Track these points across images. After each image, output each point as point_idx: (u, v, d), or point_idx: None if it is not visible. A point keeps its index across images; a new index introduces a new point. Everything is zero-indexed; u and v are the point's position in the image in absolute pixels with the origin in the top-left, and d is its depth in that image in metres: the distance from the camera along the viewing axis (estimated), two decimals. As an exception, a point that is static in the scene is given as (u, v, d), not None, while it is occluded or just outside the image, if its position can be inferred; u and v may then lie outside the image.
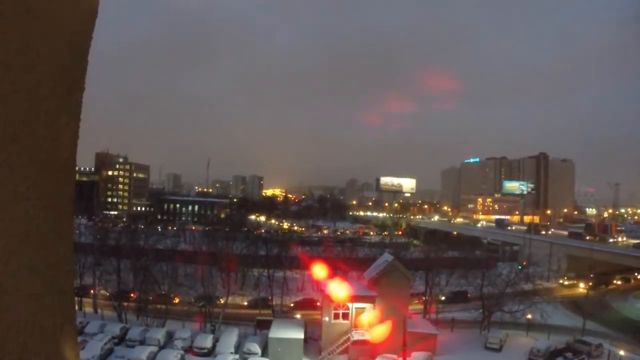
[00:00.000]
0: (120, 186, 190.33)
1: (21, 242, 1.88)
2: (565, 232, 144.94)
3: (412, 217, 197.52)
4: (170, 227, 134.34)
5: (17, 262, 1.87)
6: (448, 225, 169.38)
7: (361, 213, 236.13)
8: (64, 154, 2.07)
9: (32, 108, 1.86)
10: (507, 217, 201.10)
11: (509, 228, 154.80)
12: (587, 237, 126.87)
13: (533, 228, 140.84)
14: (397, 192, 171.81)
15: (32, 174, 1.89)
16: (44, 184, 1.96)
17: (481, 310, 60.91)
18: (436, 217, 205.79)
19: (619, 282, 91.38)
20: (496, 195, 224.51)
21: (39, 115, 1.90)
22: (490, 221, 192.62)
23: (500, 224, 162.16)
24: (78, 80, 2.13)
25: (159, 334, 51.48)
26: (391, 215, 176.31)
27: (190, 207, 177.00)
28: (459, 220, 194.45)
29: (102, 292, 63.95)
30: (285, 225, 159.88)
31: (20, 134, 1.81)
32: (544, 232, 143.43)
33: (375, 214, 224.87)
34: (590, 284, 78.89)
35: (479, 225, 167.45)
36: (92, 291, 63.86)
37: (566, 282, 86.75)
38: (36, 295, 1.99)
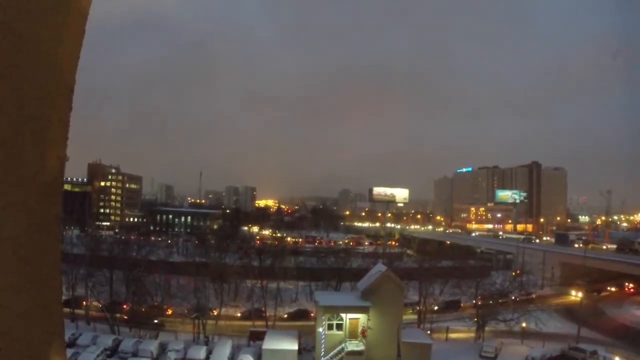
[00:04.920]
0: (113, 197, 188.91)
1: (8, 260, 1.90)
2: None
3: (434, 229, 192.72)
4: (162, 238, 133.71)
5: (4, 281, 1.89)
6: (498, 242, 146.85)
7: (354, 223, 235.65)
8: (51, 173, 2.10)
9: (18, 129, 1.89)
10: (500, 225, 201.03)
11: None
12: None
13: (584, 242, 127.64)
14: (390, 202, 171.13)
15: (19, 194, 1.92)
16: (31, 203, 1.99)
17: (475, 319, 60.88)
18: (478, 232, 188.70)
19: (613, 289, 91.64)
20: (489, 204, 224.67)
21: (24, 135, 1.93)
22: (482, 230, 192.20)
23: (563, 240, 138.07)
24: (65, 100, 2.16)
25: (152, 346, 51.07)
26: (388, 225, 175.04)
27: (182, 218, 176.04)
28: (520, 236, 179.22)
29: (95, 303, 63.45)
30: (273, 234, 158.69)
31: (6, 154, 1.84)
32: (605, 247, 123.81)
33: (368, 224, 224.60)
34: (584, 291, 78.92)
35: (536, 240, 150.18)
36: (84, 302, 63.35)
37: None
38: (24, 312, 2.01)
